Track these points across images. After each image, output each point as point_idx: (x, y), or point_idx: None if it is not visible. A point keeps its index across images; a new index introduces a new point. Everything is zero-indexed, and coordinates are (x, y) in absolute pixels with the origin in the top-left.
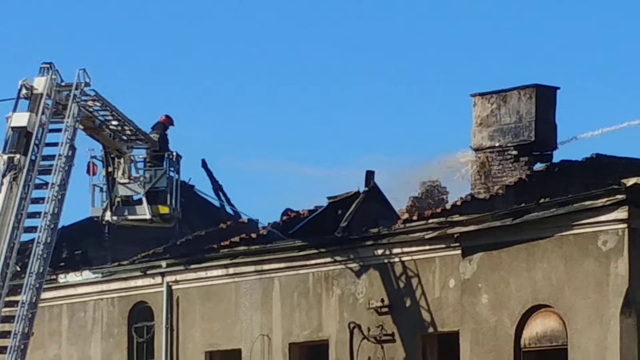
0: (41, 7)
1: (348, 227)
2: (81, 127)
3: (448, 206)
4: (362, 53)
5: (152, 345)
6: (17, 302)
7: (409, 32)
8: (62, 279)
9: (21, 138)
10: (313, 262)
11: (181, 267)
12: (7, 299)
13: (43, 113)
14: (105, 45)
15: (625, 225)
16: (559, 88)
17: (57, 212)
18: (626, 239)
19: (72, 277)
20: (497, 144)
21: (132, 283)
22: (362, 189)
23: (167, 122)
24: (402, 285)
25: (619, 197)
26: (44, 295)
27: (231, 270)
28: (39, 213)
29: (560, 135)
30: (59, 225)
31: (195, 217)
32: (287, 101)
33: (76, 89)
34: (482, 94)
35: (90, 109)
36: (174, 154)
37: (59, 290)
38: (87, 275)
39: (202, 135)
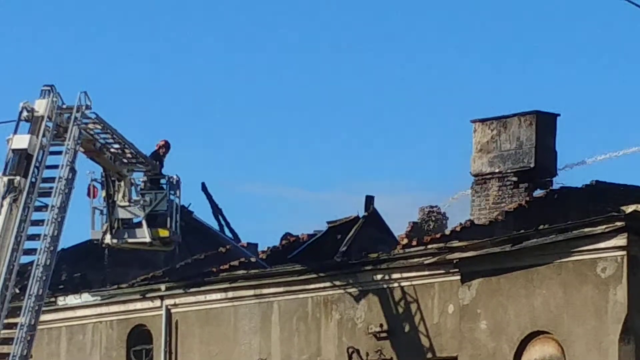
0: (42, 30)
1: (347, 251)
2: (82, 149)
3: (447, 232)
4: (361, 78)
5: None
6: (16, 324)
7: (408, 56)
8: (61, 301)
9: (21, 160)
10: (312, 286)
11: (180, 291)
12: (6, 321)
13: (44, 135)
14: (105, 68)
15: (624, 252)
16: (559, 115)
17: (57, 234)
18: (625, 266)
19: (71, 299)
20: (497, 170)
21: (131, 306)
22: (362, 213)
23: (160, 148)
24: (401, 310)
25: (618, 224)
26: (43, 317)
27: (230, 294)
28: (39, 235)
29: (560, 161)
30: (59, 248)
31: (194, 240)
32: (287, 126)
33: (77, 111)
34: (482, 120)
35: (91, 132)
36: (175, 177)
37: (58, 313)
38: (86, 297)
39: (202, 159)
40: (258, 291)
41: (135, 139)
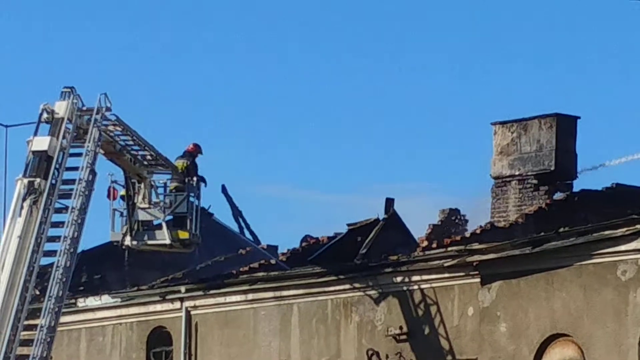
0: (63, 32)
1: (367, 254)
2: (102, 151)
3: (467, 234)
4: (381, 81)
5: None
6: (36, 325)
7: (428, 59)
8: (81, 303)
9: (42, 162)
10: (332, 288)
11: (200, 293)
12: (26, 322)
13: (64, 137)
14: (127, 71)
15: None
16: (579, 117)
17: (77, 236)
18: None
19: (91, 301)
20: (517, 173)
21: (151, 308)
22: (382, 216)
23: (195, 150)
24: (420, 312)
25: (639, 226)
26: (63, 319)
27: (250, 296)
28: (59, 237)
29: (581, 164)
30: (79, 249)
31: (214, 242)
32: (308, 128)
33: (97, 113)
34: (502, 123)
35: (111, 134)
36: (195, 179)
37: (77, 315)
38: (106, 299)
39: (222, 162)
40: (278, 293)
41: (155, 142)
